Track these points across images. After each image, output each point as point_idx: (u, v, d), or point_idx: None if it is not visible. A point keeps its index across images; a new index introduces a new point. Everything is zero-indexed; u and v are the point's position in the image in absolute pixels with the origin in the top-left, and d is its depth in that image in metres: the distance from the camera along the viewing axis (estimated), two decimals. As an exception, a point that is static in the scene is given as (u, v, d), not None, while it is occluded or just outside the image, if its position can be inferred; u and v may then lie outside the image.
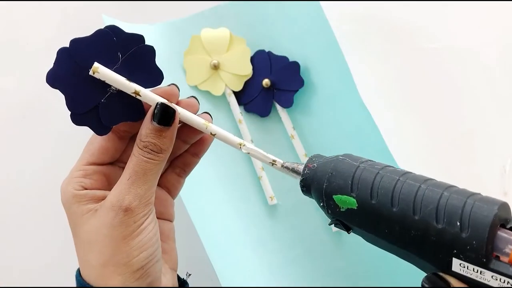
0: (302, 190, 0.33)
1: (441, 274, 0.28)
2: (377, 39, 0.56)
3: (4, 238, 0.53)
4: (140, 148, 0.31)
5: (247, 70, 0.53)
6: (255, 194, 0.52)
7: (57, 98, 0.55)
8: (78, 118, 0.32)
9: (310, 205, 0.52)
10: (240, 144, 0.34)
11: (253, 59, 0.54)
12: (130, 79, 0.31)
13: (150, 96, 0.32)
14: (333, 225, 0.32)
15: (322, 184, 0.31)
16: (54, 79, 0.31)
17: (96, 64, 0.30)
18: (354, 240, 0.50)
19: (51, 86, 0.31)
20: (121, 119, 0.32)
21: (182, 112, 0.32)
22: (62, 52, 0.31)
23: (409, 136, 0.54)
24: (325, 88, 0.52)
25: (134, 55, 0.32)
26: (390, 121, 0.53)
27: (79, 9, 0.58)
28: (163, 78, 0.33)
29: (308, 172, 0.32)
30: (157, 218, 0.33)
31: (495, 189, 0.53)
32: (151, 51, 0.32)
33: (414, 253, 0.28)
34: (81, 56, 0.31)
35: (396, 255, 0.30)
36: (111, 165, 0.34)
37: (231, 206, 0.51)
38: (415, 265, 0.30)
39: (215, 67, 0.53)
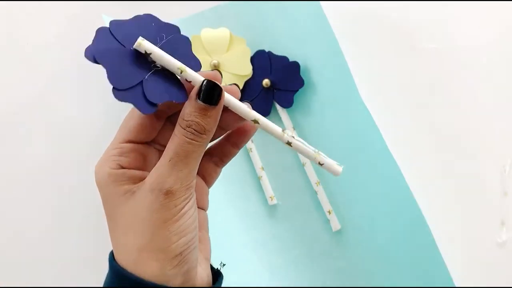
0: None
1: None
2: (377, 39, 0.56)
3: (4, 239, 0.54)
4: (182, 128, 0.29)
5: (247, 70, 0.53)
6: (255, 194, 0.52)
7: (57, 97, 0.55)
8: (121, 94, 0.29)
9: (310, 205, 0.52)
10: (284, 132, 0.32)
11: (253, 59, 0.54)
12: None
13: (194, 75, 0.30)
14: None
15: None
16: (95, 52, 0.29)
17: (140, 39, 0.30)
18: (354, 240, 0.50)
19: (91, 59, 0.29)
20: (166, 97, 0.31)
21: (227, 96, 0.31)
22: (102, 30, 0.30)
23: (409, 136, 0.54)
24: (325, 88, 0.52)
25: (171, 43, 0.31)
26: (390, 121, 0.53)
27: (78, 9, 0.58)
28: (201, 66, 0.32)
29: None
30: None
31: (495, 189, 0.53)
32: (187, 41, 0.32)
33: None
34: (122, 36, 0.30)
35: None
36: (147, 145, 0.32)
37: (231, 206, 0.51)
38: None
39: (215, 67, 0.53)
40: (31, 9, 0.58)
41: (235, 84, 0.33)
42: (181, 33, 0.32)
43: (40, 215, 0.54)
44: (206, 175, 0.35)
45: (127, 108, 0.32)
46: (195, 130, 0.29)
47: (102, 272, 0.32)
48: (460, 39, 0.56)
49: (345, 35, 0.53)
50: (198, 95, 0.30)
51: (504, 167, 0.53)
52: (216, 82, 0.30)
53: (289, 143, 0.32)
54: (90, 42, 0.30)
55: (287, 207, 0.52)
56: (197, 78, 0.30)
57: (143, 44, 0.30)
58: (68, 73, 0.56)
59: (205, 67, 0.53)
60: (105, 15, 0.50)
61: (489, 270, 0.51)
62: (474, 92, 0.55)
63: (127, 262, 0.30)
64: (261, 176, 0.52)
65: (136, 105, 0.30)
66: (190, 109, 0.30)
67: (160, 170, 0.29)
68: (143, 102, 0.30)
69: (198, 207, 0.34)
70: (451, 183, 0.53)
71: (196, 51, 0.53)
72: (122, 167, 0.31)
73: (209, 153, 0.35)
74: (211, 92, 0.30)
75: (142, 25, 0.31)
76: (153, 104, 0.30)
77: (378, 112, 0.51)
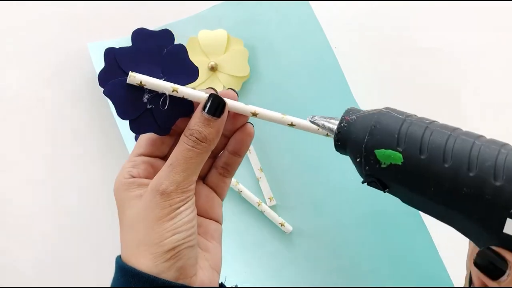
0: (336, 145, 0.30)
1: (495, 248, 0.26)
2: (374, 40, 0.56)
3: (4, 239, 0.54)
4: (185, 136, 0.33)
5: (245, 71, 0.53)
6: (254, 195, 0.52)
7: (57, 98, 0.55)
8: (135, 126, 0.34)
9: (309, 205, 0.52)
10: (284, 115, 0.34)
11: None
12: (169, 78, 0.33)
13: (187, 91, 0.33)
14: (367, 183, 0.29)
15: (362, 137, 0.29)
16: (105, 91, 0.33)
17: (131, 73, 0.32)
18: (354, 240, 0.51)
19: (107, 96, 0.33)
20: (176, 118, 0.34)
21: (229, 102, 0.33)
22: (108, 61, 0.33)
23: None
24: (317, 87, 0.52)
25: (170, 54, 0.34)
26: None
27: (79, 9, 0.57)
28: (198, 73, 0.34)
29: (346, 125, 0.30)
30: (204, 217, 0.36)
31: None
32: (183, 49, 0.34)
33: (462, 213, 0.27)
34: (125, 64, 0.33)
35: (439, 217, 0.28)
36: (161, 159, 0.35)
37: (230, 208, 0.51)
38: (458, 229, 0.28)
39: (213, 68, 0.53)
40: (31, 10, 0.57)
41: (231, 88, 0.35)
42: (174, 37, 0.34)
43: (42, 214, 0.54)
44: (215, 187, 0.37)
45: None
46: (196, 138, 0.32)
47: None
48: (459, 40, 0.56)
49: (344, 36, 0.53)
50: (204, 107, 0.33)
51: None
52: (221, 96, 0.33)
53: (292, 124, 0.33)
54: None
55: (286, 208, 0.52)
56: (189, 94, 0.33)
57: (136, 77, 0.32)
58: (67, 73, 0.56)
59: (203, 69, 0.53)
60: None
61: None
62: (473, 92, 0.55)
63: (128, 257, 0.32)
64: (260, 177, 0.52)
65: (152, 131, 0.34)
66: (195, 120, 0.33)
67: (160, 173, 0.32)
68: (157, 127, 0.34)
69: (209, 218, 0.37)
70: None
71: (194, 53, 0.53)
72: (133, 177, 0.34)
73: (214, 166, 0.37)
74: (215, 106, 0.33)
75: (140, 46, 0.33)
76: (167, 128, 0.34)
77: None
